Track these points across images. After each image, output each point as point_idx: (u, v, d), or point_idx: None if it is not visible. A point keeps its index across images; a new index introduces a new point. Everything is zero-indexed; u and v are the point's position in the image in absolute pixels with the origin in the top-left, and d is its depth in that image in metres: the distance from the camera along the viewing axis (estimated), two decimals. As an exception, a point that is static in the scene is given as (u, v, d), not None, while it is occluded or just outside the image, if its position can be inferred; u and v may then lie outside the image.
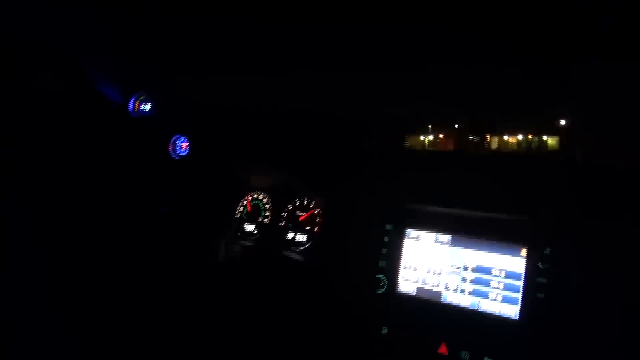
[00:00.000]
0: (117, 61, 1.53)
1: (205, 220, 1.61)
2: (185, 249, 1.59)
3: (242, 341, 1.36)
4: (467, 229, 1.06)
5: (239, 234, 1.62)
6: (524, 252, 0.99)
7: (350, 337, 1.14)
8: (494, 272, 1.01)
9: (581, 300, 0.91)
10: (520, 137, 1.22)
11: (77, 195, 1.48)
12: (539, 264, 0.96)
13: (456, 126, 1.27)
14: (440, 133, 1.26)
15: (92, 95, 1.47)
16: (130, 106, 1.57)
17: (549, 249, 0.96)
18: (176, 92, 1.55)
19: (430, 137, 1.29)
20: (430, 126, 1.29)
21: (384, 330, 1.10)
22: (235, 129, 1.59)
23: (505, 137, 1.23)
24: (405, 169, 1.17)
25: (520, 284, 0.98)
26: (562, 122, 1.15)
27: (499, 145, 1.22)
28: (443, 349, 1.02)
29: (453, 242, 1.08)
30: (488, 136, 1.21)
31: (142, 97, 1.58)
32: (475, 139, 1.20)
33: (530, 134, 1.20)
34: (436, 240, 1.10)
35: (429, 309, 1.07)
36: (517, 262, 0.99)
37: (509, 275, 0.99)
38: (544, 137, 1.19)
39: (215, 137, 1.59)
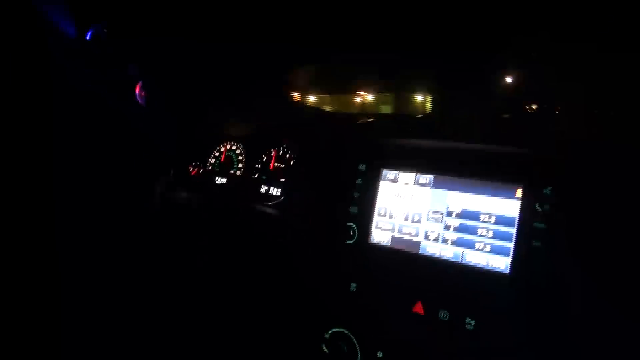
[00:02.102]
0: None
1: (171, 174, 1.46)
2: (152, 203, 1.44)
3: (208, 295, 1.22)
4: (452, 167, 0.89)
5: (209, 188, 1.47)
6: (519, 192, 0.81)
7: (316, 294, 0.99)
8: (482, 217, 0.84)
9: (585, 249, 0.73)
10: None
11: (37, 135, 1.34)
12: (537, 205, 0.79)
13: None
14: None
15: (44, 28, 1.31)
16: (88, 37, 1.42)
17: (549, 188, 0.78)
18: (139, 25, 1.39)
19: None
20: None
21: (353, 286, 0.94)
22: (206, 73, 1.43)
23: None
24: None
25: (512, 231, 0.81)
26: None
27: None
28: (419, 308, 0.86)
29: (435, 184, 0.90)
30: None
31: (100, 31, 1.42)
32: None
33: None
34: (416, 182, 0.92)
35: (404, 262, 0.90)
36: (510, 205, 0.82)
37: (500, 220, 0.82)
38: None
39: (183, 82, 1.43)
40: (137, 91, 1.51)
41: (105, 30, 1.37)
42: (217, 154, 1.50)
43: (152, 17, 1.42)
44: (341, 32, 0.93)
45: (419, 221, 0.91)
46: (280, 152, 1.36)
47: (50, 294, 1.17)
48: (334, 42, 0.97)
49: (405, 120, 0.96)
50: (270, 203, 1.30)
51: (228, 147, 1.48)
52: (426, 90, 0.99)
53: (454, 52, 0.88)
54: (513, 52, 0.82)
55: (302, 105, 1.20)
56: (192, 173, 1.51)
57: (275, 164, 1.36)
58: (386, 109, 1.08)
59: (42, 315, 1.15)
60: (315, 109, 1.15)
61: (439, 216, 0.89)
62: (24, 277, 1.14)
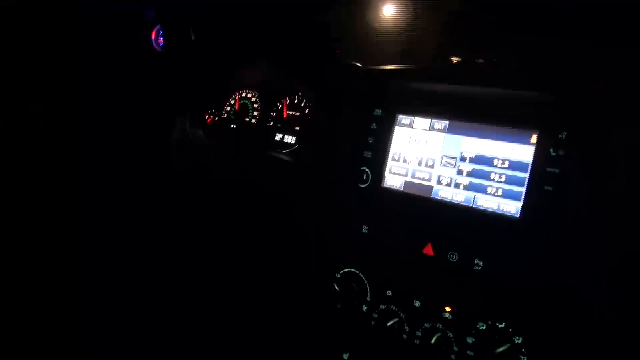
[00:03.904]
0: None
1: (189, 122, 1.47)
2: (169, 152, 1.47)
3: (227, 238, 1.27)
4: (467, 112, 0.89)
5: (225, 134, 1.49)
6: (534, 138, 0.81)
7: (329, 236, 1.02)
8: (495, 162, 0.85)
9: (598, 194, 0.74)
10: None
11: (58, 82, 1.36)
12: (551, 150, 0.79)
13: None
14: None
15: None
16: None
17: (565, 133, 0.78)
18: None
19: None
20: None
21: (365, 229, 0.96)
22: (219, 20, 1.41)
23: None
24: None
25: (525, 176, 0.81)
26: None
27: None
28: (428, 250, 0.89)
29: (450, 129, 0.91)
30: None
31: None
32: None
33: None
34: (431, 127, 0.93)
35: (416, 206, 0.92)
36: (524, 150, 0.82)
37: (513, 165, 0.83)
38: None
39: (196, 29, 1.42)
40: (153, 36, 1.50)
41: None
42: (232, 101, 1.51)
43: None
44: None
45: (432, 166, 0.92)
46: (296, 101, 1.36)
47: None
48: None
49: (421, 65, 0.95)
50: (285, 151, 1.32)
51: (243, 94, 1.49)
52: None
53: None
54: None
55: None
56: (208, 120, 1.53)
57: (289, 112, 1.37)
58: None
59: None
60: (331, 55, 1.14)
61: (452, 161, 0.89)
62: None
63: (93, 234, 1.34)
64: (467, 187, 0.87)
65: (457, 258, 0.85)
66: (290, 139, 1.35)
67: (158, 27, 1.50)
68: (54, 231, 1.30)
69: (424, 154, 0.93)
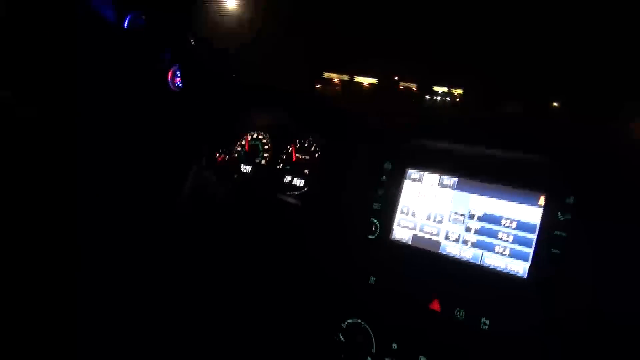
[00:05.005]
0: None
1: (199, 160, 1.50)
2: (178, 188, 1.49)
3: (230, 282, 1.26)
4: (476, 171, 0.91)
5: (235, 175, 1.51)
6: (542, 200, 0.83)
7: (336, 285, 1.02)
8: (503, 222, 0.86)
9: (604, 260, 0.75)
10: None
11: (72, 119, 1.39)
12: (559, 214, 0.80)
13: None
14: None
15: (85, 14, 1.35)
16: (126, 25, 1.46)
17: (572, 198, 0.80)
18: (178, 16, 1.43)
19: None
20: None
21: (372, 280, 0.97)
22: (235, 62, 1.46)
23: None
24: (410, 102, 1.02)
25: (533, 237, 0.83)
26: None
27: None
28: (435, 305, 0.89)
29: (459, 186, 0.93)
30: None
31: (138, 17, 1.46)
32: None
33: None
34: (440, 183, 0.95)
35: (424, 260, 0.93)
36: (532, 212, 0.84)
37: (521, 226, 0.84)
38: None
39: (213, 70, 1.47)
40: (169, 77, 1.55)
41: (143, 17, 1.41)
42: (243, 142, 1.54)
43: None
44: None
45: (440, 221, 0.93)
46: (306, 145, 1.39)
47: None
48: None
49: (433, 123, 0.98)
50: (294, 193, 1.34)
51: (254, 136, 1.52)
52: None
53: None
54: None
55: (331, 99, 1.23)
56: (218, 160, 1.56)
57: (298, 156, 1.39)
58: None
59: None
60: (343, 105, 1.18)
61: (461, 218, 0.91)
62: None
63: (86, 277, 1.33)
64: (475, 245, 0.88)
65: (463, 316, 0.86)
66: (299, 182, 1.37)
67: (175, 67, 1.54)
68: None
69: (433, 209, 0.94)
